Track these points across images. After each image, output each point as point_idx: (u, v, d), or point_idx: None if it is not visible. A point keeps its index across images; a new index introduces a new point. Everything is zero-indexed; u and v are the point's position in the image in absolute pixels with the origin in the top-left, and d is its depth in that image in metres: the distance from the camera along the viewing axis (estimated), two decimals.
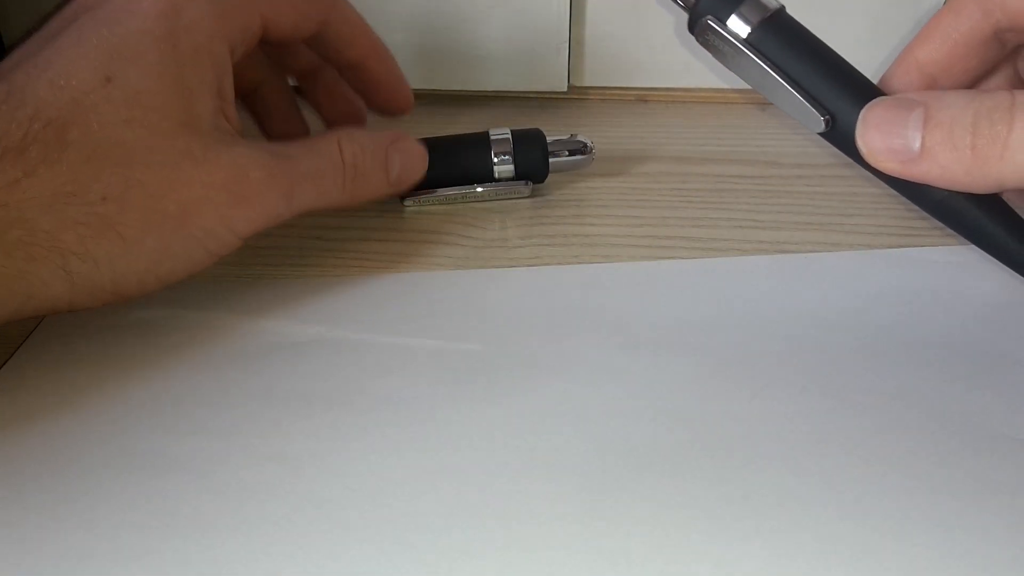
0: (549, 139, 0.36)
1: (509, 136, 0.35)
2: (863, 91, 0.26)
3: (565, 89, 0.44)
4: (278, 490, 0.22)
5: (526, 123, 0.36)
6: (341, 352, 0.27)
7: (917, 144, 0.23)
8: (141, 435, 0.23)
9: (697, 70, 0.44)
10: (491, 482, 0.22)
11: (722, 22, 0.26)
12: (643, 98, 0.45)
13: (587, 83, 0.45)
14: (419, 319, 0.29)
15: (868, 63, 0.27)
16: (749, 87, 0.26)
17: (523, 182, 0.36)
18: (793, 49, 0.26)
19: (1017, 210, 0.26)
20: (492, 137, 0.35)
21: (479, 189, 0.36)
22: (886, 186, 0.26)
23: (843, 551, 0.20)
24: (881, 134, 0.24)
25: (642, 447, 0.23)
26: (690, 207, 0.36)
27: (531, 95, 0.45)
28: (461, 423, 0.24)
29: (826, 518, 0.21)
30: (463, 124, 0.38)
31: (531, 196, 0.36)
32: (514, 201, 0.36)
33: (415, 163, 0.33)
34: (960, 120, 0.23)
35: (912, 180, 0.25)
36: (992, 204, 0.25)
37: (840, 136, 0.26)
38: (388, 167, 0.32)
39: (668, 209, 0.36)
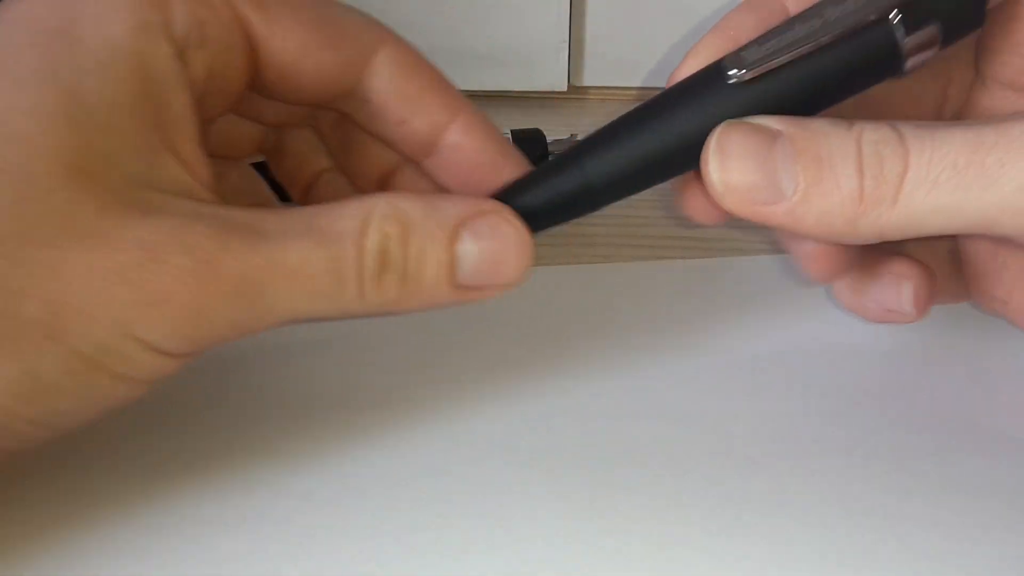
0: (549, 139, 0.36)
1: (509, 136, 0.35)
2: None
3: (565, 89, 0.44)
4: (278, 490, 0.22)
5: (526, 123, 0.36)
6: (341, 352, 0.27)
7: (793, 185, 0.19)
8: (140, 434, 0.23)
9: None
10: (490, 482, 0.22)
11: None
12: (643, 98, 0.45)
13: (587, 83, 0.45)
14: (418, 319, 0.29)
15: None
16: None
17: None
18: None
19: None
20: None
21: None
22: None
23: (843, 551, 0.20)
24: (744, 169, 0.19)
25: (642, 447, 0.23)
26: None
27: (531, 95, 0.45)
28: (461, 423, 0.24)
29: (826, 518, 0.21)
30: None
31: None
32: None
33: (507, 257, 0.20)
34: (842, 155, 0.18)
35: (769, 225, 0.20)
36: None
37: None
38: (455, 262, 0.20)
39: (668, 209, 0.36)
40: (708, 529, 0.21)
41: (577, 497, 0.22)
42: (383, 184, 0.24)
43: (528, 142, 0.35)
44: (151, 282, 0.17)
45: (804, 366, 0.26)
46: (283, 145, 0.25)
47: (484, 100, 0.46)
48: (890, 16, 0.18)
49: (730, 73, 0.19)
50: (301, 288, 0.18)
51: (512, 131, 0.35)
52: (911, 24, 0.18)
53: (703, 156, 0.20)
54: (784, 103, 0.19)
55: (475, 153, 0.23)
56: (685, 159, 0.20)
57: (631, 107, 0.22)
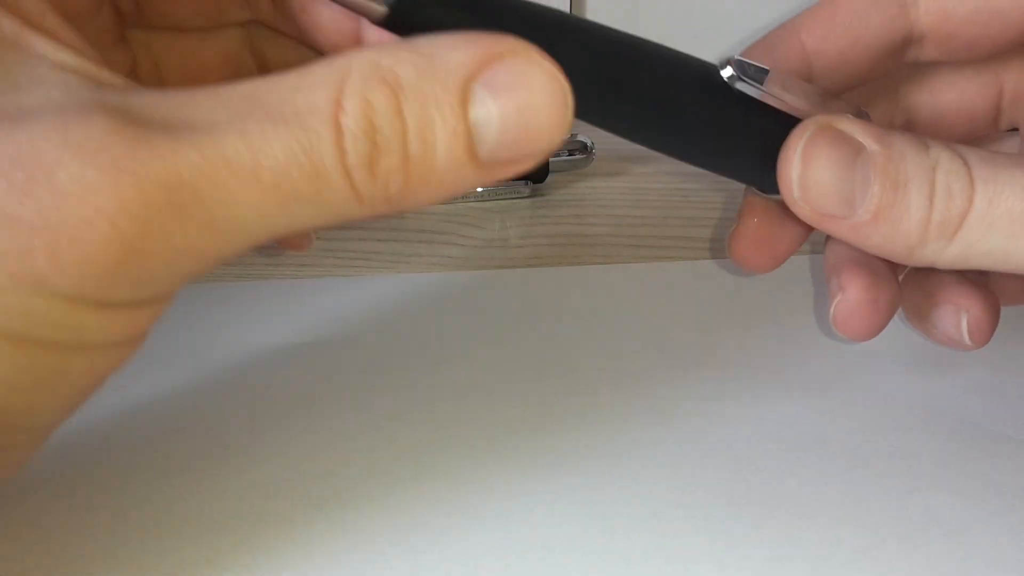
0: None
1: None
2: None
3: None
4: (277, 490, 0.22)
5: None
6: (341, 352, 0.27)
7: (866, 204, 0.18)
8: (140, 434, 0.23)
9: None
10: (491, 482, 0.22)
11: None
12: None
13: None
14: (419, 320, 0.29)
15: None
16: None
17: (523, 182, 0.36)
18: None
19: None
20: None
21: (479, 189, 0.36)
22: None
23: (843, 552, 0.20)
24: (823, 180, 0.19)
25: (642, 447, 0.23)
26: (690, 207, 0.36)
27: None
28: (461, 423, 0.24)
29: (826, 518, 0.21)
30: None
31: (531, 196, 0.36)
32: (514, 201, 0.36)
33: (540, 114, 0.15)
34: (918, 183, 0.18)
35: (832, 235, 0.20)
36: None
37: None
38: (472, 131, 0.14)
39: (668, 209, 0.36)
40: (708, 530, 0.21)
41: (577, 497, 0.22)
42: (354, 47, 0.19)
43: None
44: (39, 210, 0.12)
45: (804, 366, 0.26)
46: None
47: None
48: None
49: (725, 72, 0.20)
50: (264, 191, 0.14)
51: None
52: None
53: (785, 155, 0.19)
54: (750, 131, 0.21)
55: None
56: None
57: None
